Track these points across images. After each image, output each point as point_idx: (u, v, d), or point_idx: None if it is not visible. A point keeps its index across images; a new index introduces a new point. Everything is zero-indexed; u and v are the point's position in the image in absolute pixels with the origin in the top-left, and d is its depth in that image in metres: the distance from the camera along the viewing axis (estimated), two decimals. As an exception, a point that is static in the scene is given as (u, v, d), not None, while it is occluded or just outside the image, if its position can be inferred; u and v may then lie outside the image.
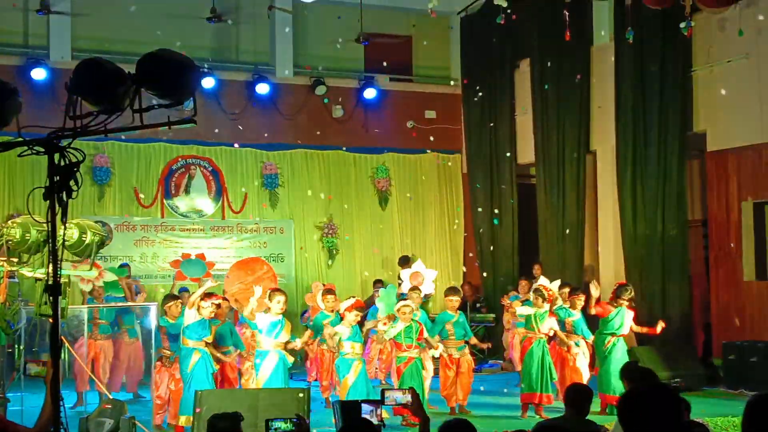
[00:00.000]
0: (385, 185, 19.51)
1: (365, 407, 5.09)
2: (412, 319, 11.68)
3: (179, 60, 4.10)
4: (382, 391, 5.23)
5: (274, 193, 18.67)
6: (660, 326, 12.49)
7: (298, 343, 12.08)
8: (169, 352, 11.42)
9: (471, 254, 19.44)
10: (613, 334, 12.12)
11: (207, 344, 11.07)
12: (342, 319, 11.44)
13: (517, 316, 12.87)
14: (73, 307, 12.25)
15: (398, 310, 11.70)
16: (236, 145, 18.17)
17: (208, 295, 11.33)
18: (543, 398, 11.95)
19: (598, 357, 12.32)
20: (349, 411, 5.12)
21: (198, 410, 9.35)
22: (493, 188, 18.71)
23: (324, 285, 14.37)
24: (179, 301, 12.04)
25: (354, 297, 12.05)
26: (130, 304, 13.63)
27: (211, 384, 10.82)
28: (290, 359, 11.37)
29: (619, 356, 11.99)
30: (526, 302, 13.41)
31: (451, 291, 12.63)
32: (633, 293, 12.40)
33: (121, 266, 14.76)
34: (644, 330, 12.73)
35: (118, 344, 13.76)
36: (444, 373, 12.13)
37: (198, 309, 11.00)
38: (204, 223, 18.16)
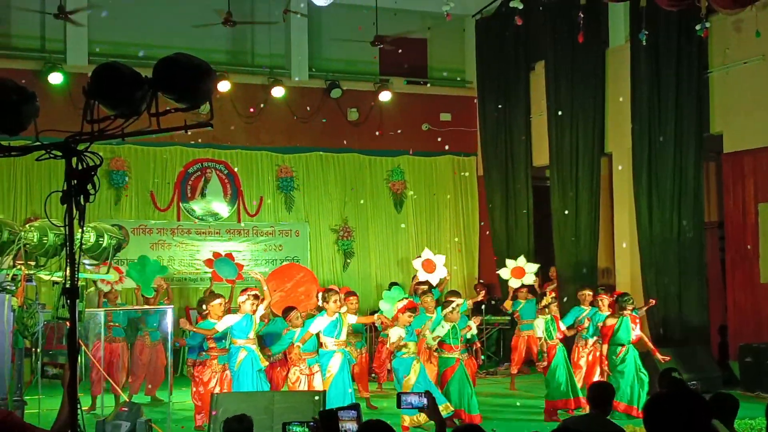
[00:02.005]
0: (401, 188, 19.52)
1: (344, 414, 5.01)
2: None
3: (196, 64, 4.11)
4: (398, 395, 5.18)
5: (290, 196, 18.70)
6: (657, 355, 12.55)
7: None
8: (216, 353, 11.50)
9: (492, 257, 19.39)
10: (622, 345, 12.11)
11: (255, 342, 11.20)
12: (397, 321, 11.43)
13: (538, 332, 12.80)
14: (90, 310, 12.29)
15: (451, 312, 11.66)
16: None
17: (243, 290, 11.51)
18: (580, 402, 11.74)
19: (610, 367, 12.29)
20: (325, 420, 5.04)
21: (214, 413, 9.38)
22: (509, 190, 18.68)
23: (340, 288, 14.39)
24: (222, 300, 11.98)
25: (406, 298, 12.02)
26: (146, 307, 13.65)
27: (257, 381, 10.95)
28: (354, 356, 11.49)
29: (632, 365, 12.00)
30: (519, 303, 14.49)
31: (452, 294, 12.66)
32: (634, 302, 12.54)
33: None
34: (651, 346, 12.73)
35: (138, 347, 13.80)
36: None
37: (238, 308, 11.24)
38: (220, 226, 18.21)
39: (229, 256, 15.61)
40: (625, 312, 12.19)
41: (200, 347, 11.68)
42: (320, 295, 11.65)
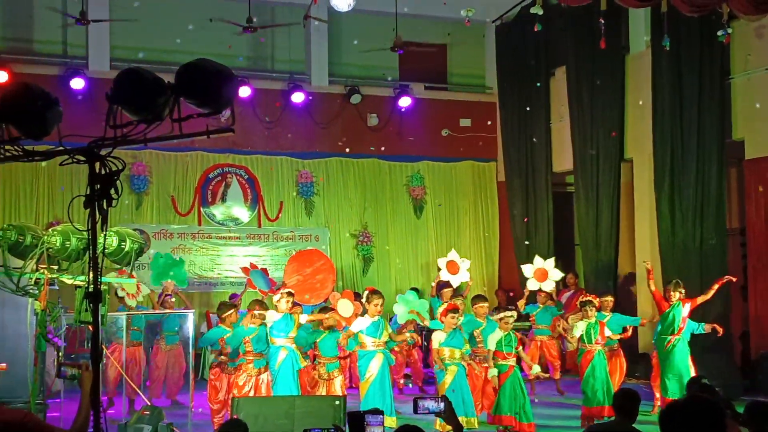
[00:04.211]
0: (420, 193, 19.51)
1: (371, 418, 5.02)
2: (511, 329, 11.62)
3: (218, 69, 4.13)
4: (415, 400, 5.17)
5: (310, 201, 18.73)
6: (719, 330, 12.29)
7: (407, 336, 12.44)
8: (226, 359, 11.45)
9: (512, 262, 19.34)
10: (672, 334, 11.96)
11: (293, 341, 11.24)
12: (443, 324, 11.34)
13: (570, 336, 12.58)
14: (112, 314, 12.33)
15: (500, 320, 11.59)
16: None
17: (277, 289, 11.63)
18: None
19: (660, 360, 12.19)
20: (353, 421, 5.06)
21: (236, 417, 9.40)
22: (529, 196, 18.65)
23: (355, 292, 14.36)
24: (236, 309, 12.02)
25: (447, 300, 11.99)
26: (167, 311, 13.68)
27: (295, 381, 11.03)
28: (393, 358, 11.52)
29: (679, 358, 11.87)
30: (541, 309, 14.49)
31: (479, 298, 12.53)
32: (683, 287, 12.25)
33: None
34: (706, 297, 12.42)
35: (154, 351, 13.84)
36: (471, 382, 12.00)
37: (275, 308, 11.28)
38: (240, 231, 18.27)
39: (264, 270, 15.66)
40: (674, 298, 11.98)
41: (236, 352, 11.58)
42: (365, 294, 11.66)
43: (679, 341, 12.04)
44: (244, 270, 15.22)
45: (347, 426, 5.13)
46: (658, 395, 12.36)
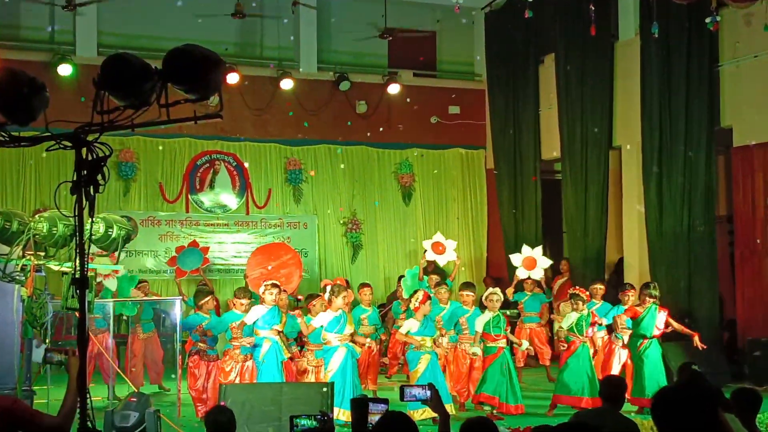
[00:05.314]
0: (409, 181, 19.49)
1: (374, 407, 5.04)
2: (499, 310, 11.75)
3: (206, 55, 4.11)
4: (401, 388, 5.17)
5: (298, 188, 18.70)
6: (696, 339, 12.04)
7: (367, 341, 12.32)
8: (205, 346, 11.43)
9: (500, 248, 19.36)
10: (644, 337, 11.91)
11: (279, 333, 11.23)
12: (415, 313, 11.32)
13: (564, 329, 12.27)
14: (99, 300, 12.29)
15: (486, 299, 11.72)
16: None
17: (263, 282, 11.61)
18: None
19: (633, 360, 12.17)
20: (357, 407, 5.08)
21: (222, 403, 9.40)
22: (517, 184, 18.66)
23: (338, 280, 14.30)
24: (212, 296, 12.02)
25: (422, 290, 11.95)
26: (154, 298, 13.68)
27: (280, 373, 11.00)
28: (358, 350, 11.47)
29: (653, 359, 11.84)
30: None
31: (467, 286, 12.51)
32: (658, 291, 12.20)
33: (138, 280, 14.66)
34: (684, 330, 12.26)
35: (131, 339, 13.85)
36: (457, 369, 12.00)
37: (261, 300, 11.24)
38: (228, 218, 18.22)
39: (194, 243, 15.50)
40: (649, 301, 11.86)
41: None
42: (328, 288, 11.58)
43: (651, 343, 11.98)
44: (169, 262, 15.09)
45: (351, 411, 5.16)
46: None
